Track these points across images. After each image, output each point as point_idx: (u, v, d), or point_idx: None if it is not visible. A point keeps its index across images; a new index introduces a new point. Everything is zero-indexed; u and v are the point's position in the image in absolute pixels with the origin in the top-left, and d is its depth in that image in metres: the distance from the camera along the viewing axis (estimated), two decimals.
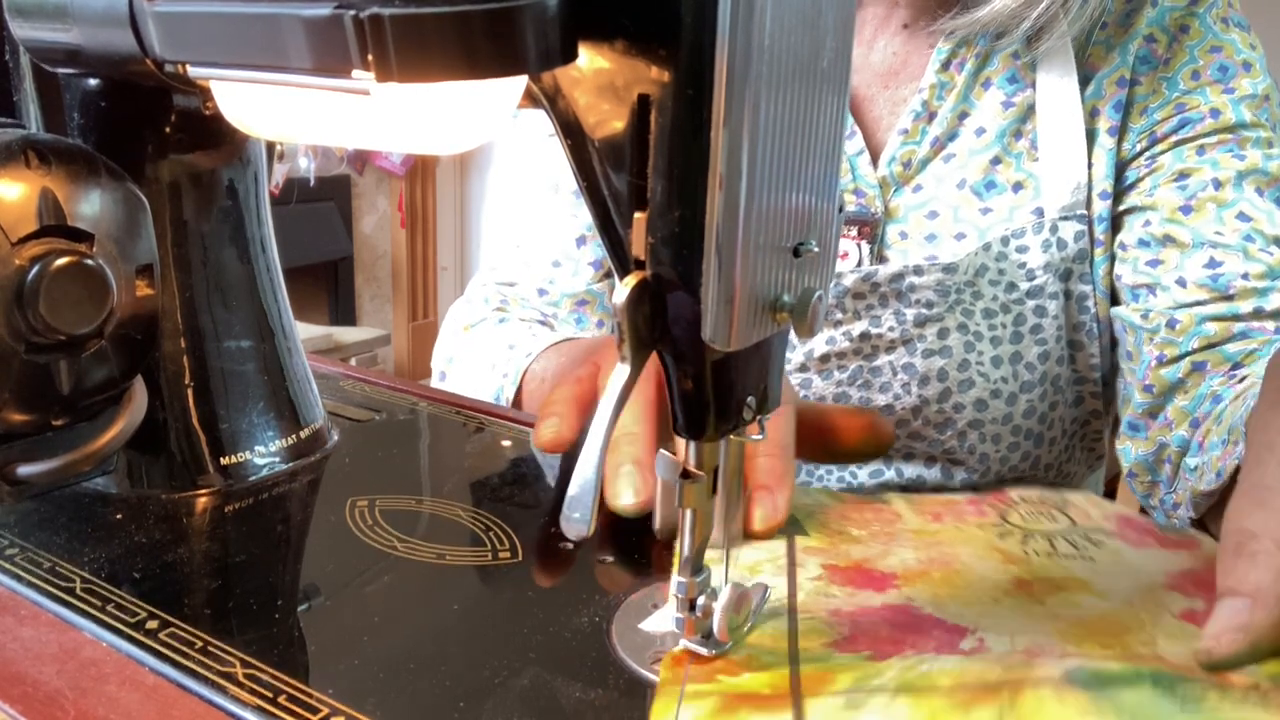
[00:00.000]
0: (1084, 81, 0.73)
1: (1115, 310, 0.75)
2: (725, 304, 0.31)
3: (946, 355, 0.73)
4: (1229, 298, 0.69)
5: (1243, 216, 0.70)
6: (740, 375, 0.35)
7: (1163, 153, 0.73)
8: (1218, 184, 0.71)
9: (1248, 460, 0.37)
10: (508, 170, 3.50)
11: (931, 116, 0.76)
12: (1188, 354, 0.69)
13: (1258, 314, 0.68)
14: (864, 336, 0.74)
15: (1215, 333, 0.68)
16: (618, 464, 0.48)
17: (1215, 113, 0.72)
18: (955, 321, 0.73)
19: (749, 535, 0.46)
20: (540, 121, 0.34)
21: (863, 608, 0.41)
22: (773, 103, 0.30)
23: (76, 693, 0.36)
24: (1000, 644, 0.37)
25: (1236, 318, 0.68)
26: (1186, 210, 0.71)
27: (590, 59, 0.31)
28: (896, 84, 0.78)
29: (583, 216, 0.84)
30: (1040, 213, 0.73)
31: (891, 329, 0.74)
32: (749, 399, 0.36)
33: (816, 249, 0.34)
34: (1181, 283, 0.70)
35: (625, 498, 0.47)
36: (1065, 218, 0.73)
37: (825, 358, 0.75)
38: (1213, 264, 0.69)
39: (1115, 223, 0.74)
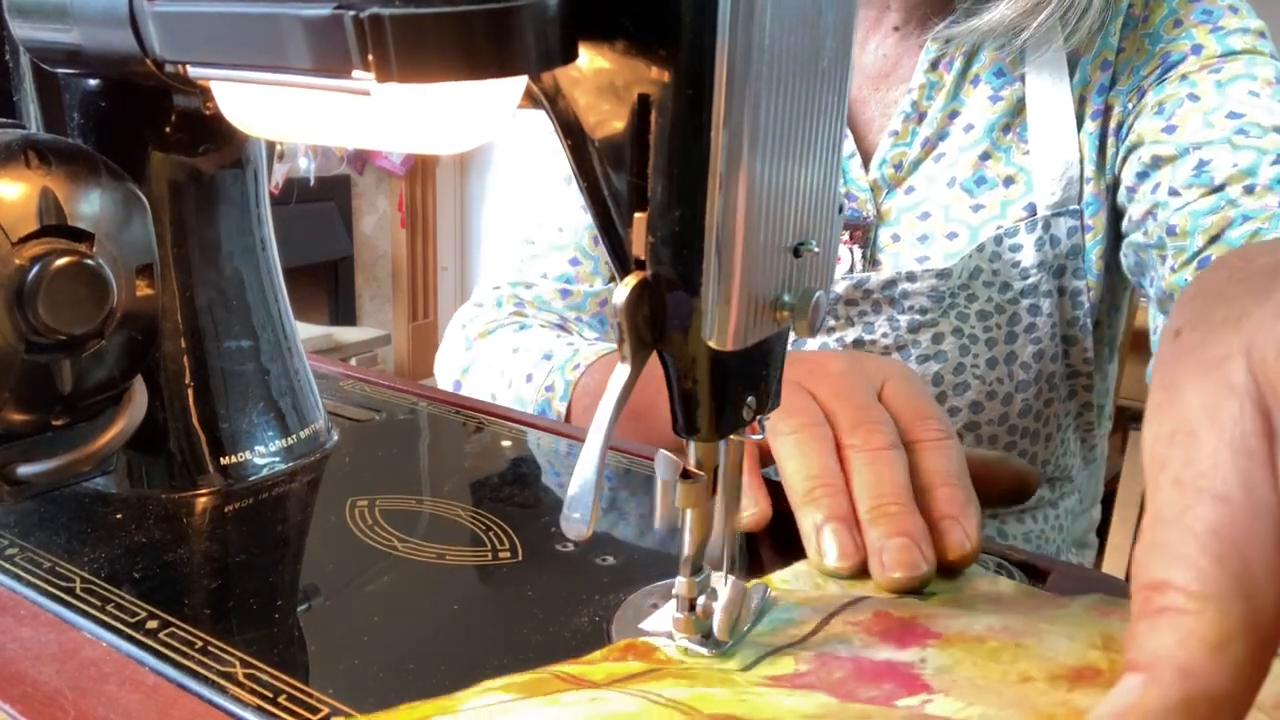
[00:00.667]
0: (1070, 70, 0.72)
1: (1124, 243, 0.72)
2: (725, 304, 0.31)
3: (941, 360, 0.73)
4: (1219, 189, 0.65)
5: (1233, 114, 0.67)
6: (740, 375, 0.35)
7: (1146, 93, 0.71)
8: (1194, 98, 0.68)
9: (1147, 486, 0.29)
10: (508, 170, 3.50)
11: (921, 117, 0.75)
12: (1195, 255, 0.66)
13: (1249, 191, 0.64)
14: (857, 343, 0.74)
15: (1213, 224, 0.65)
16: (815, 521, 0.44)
17: (1198, 48, 0.70)
18: (950, 326, 0.73)
19: (943, 568, 0.42)
20: (542, 121, 0.34)
21: (857, 657, 0.36)
22: (773, 103, 0.30)
23: (76, 693, 0.36)
24: (947, 708, 0.32)
25: (1231, 204, 0.65)
26: (1170, 130, 0.69)
27: (590, 59, 0.31)
28: (887, 86, 0.77)
29: None
30: (1032, 209, 0.73)
31: (885, 335, 0.74)
32: (749, 399, 0.36)
33: (817, 249, 0.34)
34: (1174, 192, 0.67)
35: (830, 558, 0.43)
36: (1057, 214, 0.72)
37: None
38: (1199, 165, 0.67)
39: (1116, 180, 0.73)
